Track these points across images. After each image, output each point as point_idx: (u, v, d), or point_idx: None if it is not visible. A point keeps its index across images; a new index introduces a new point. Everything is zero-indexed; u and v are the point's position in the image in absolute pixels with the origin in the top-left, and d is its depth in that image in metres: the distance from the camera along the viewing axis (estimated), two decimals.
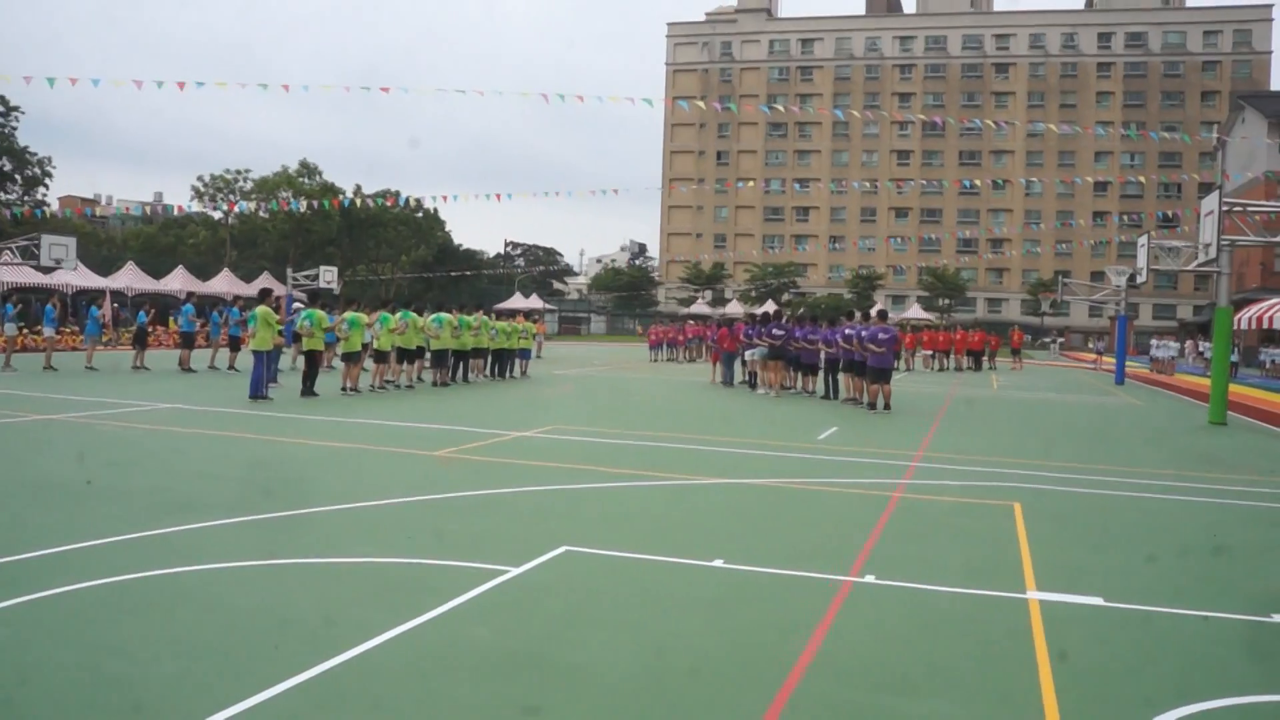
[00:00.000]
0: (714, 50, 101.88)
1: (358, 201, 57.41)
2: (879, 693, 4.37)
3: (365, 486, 8.89)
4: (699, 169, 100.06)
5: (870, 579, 6.19)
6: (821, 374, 21.07)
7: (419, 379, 21.30)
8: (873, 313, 19.16)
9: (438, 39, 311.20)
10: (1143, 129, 79.06)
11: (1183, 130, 72.72)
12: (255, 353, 17.02)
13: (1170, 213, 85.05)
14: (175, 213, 61.41)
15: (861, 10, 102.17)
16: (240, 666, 4.39)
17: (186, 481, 9.02)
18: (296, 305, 28.97)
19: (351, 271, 69.67)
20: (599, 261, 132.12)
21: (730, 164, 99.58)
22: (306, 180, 62.90)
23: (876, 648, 4.99)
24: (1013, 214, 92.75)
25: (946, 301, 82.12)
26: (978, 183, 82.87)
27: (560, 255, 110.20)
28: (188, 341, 23.69)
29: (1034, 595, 5.94)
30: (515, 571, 6.06)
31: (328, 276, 38.27)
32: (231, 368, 23.66)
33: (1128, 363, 35.99)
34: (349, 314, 18.85)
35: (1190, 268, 20.72)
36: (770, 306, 57.55)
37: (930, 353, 38.08)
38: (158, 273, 44.41)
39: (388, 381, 19.79)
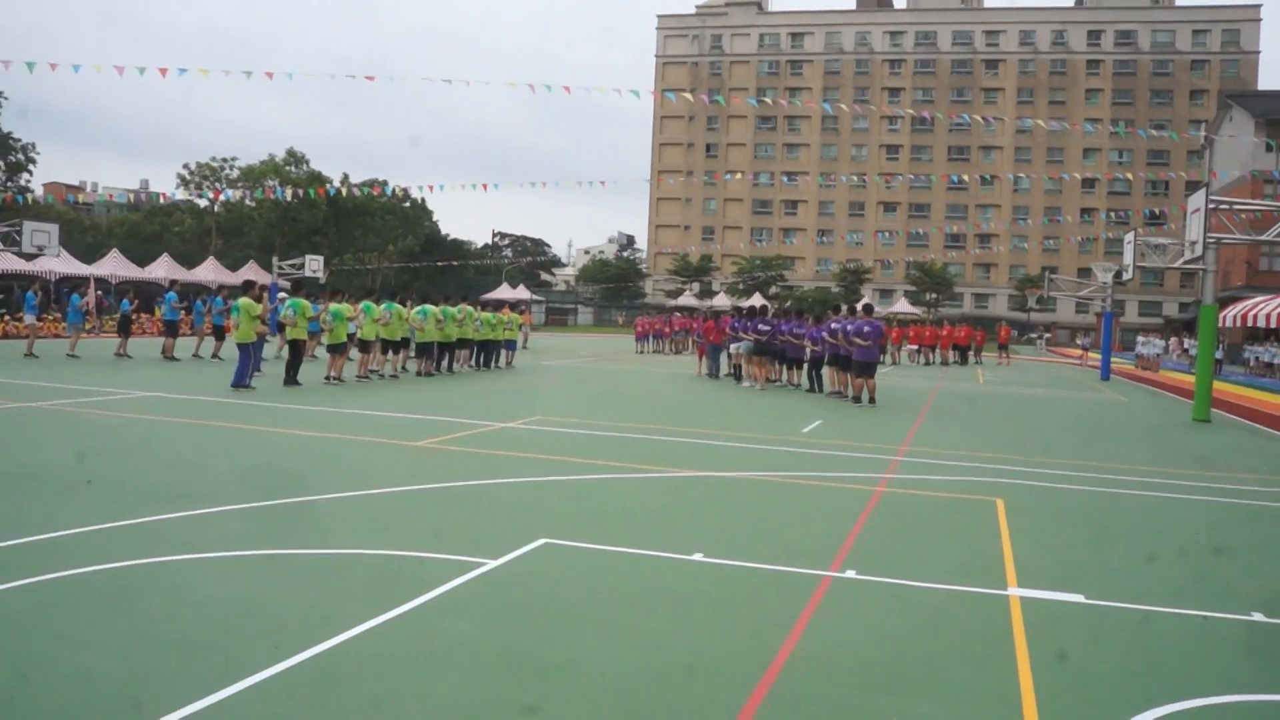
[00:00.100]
0: (704, 43, 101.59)
1: (344, 191, 57.04)
2: (858, 689, 4.34)
3: (346, 477, 8.81)
4: (688, 161, 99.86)
5: (851, 574, 6.16)
6: (805, 368, 21.08)
7: (403, 369, 21.19)
8: (858, 307, 19.15)
9: (429, 31, 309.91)
10: (1131, 126, 79.09)
11: (1171, 128, 72.85)
12: (239, 345, 16.91)
13: (1157, 210, 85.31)
14: (160, 200, 61.03)
15: (851, 5, 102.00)
16: (207, 659, 4.31)
17: (165, 471, 8.93)
18: (281, 295, 28.79)
19: (338, 261, 69.34)
20: (587, 253, 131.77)
21: (719, 157, 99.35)
22: (293, 169, 62.49)
23: (856, 643, 4.96)
24: (1001, 210, 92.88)
25: (934, 296, 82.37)
26: (966, 178, 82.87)
27: (548, 246, 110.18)
28: (171, 330, 23.50)
29: (1015, 592, 5.93)
30: (493, 564, 6.00)
31: (314, 265, 38.03)
32: (215, 356, 23.50)
33: (1113, 359, 36.21)
34: (333, 305, 18.71)
35: (1176, 265, 20.79)
36: (758, 300, 57.57)
37: (916, 347, 38.17)
38: (142, 260, 44.12)
39: (371, 371, 19.67)
